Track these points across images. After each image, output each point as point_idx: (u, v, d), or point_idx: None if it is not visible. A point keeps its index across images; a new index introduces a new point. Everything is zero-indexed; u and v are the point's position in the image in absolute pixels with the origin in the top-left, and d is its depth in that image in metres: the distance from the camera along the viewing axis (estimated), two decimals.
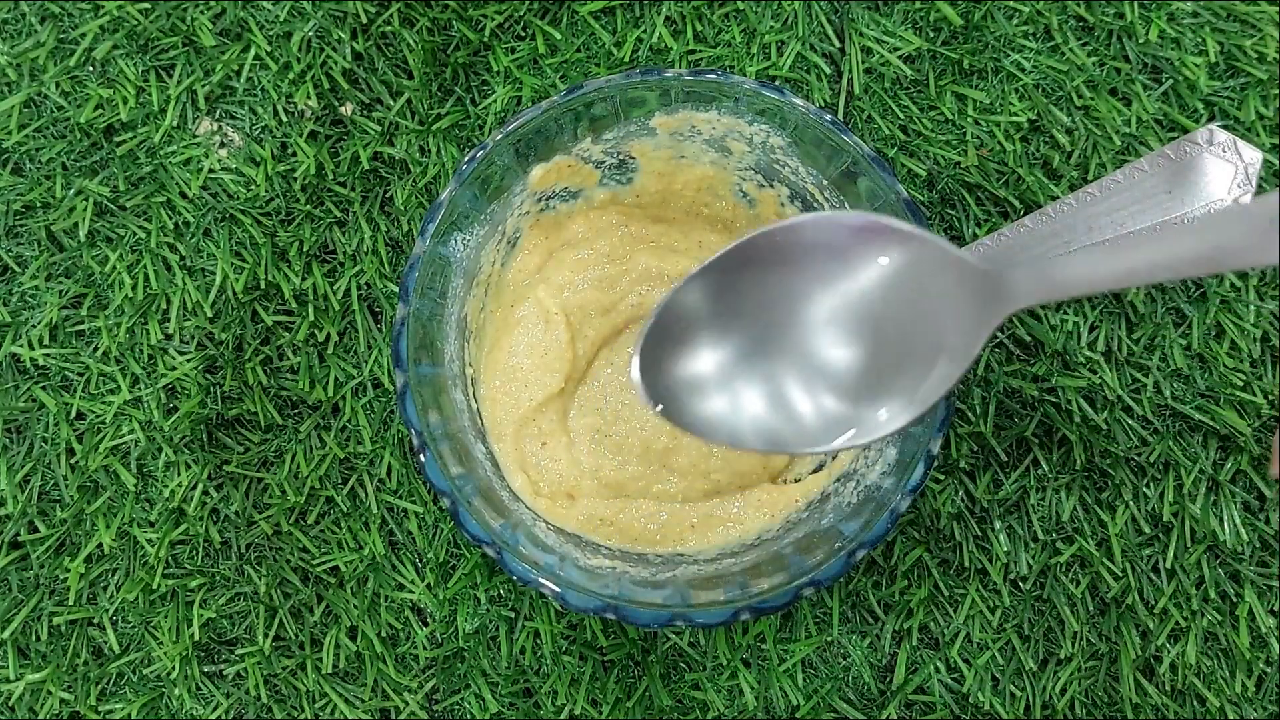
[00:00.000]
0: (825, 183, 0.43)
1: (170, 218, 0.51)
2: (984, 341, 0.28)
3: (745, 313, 0.32)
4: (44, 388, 0.49)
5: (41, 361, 0.49)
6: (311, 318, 0.49)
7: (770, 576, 0.38)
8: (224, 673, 0.46)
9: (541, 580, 0.37)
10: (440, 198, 0.41)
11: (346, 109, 0.52)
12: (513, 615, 0.46)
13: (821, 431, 0.32)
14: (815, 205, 0.44)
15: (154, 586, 0.46)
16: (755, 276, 0.31)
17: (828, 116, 0.41)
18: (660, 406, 0.33)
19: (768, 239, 0.30)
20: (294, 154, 0.51)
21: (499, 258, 0.45)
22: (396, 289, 0.49)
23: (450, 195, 0.41)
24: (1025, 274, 0.26)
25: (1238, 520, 0.46)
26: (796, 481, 0.44)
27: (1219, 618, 0.45)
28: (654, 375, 0.32)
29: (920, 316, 0.29)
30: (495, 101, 0.51)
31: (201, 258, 0.50)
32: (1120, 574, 0.46)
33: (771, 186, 0.45)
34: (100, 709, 0.46)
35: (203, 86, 0.52)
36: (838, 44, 0.51)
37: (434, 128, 0.51)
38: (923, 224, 0.40)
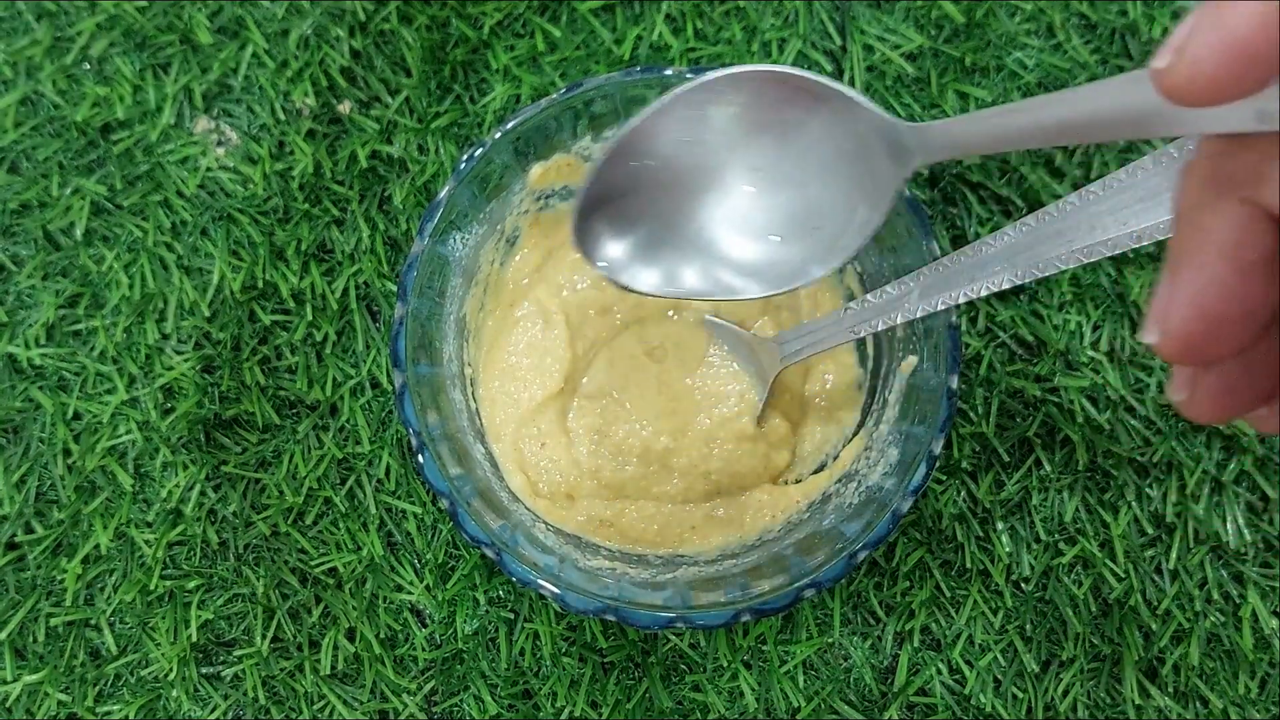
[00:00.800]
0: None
1: (167, 217, 0.50)
2: (896, 190, 0.30)
3: (670, 174, 0.33)
4: (41, 388, 0.49)
5: (38, 361, 0.49)
6: (309, 317, 0.49)
7: (771, 578, 0.38)
8: (222, 674, 0.46)
9: (541, 582, 0.37)
10: (439, 196, 0.40)
11: (344, 107, 0.51)
12: (512, 617, 0.46)
13: (754, 279, 0.34)
14: None
15: (151, 588, 0.46)
16: (678, 137, 0.33)
17: None
18: (604, 265, 0.34)
19: (686, 100, 0.32)
20: (292, 152, 0.51)
21: (498, 257, 0.45)
22: (395, 288, 0.49)
23: (449, 194, 0.40)
24: (932, 128, 0.28)
25: (1241, 521, 0.46)
26: (798, 482, 0.44)
27: (1222, 619, 0.45)
28: (593, 243, 0.34)
29: (839, 166, 0.31)
30: (494, 99, 0.51)
31: (199, 257, 0.50)
32: (1123, 575, 0.46)
33: None
34: (98, 710, 0.46)
35: (200, 85, 0.52)
36: (839, 41, 0.51)
37: (432, 126, 0.51)
38: (925, 224, 0.39)
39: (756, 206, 0.34)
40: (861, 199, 0.31)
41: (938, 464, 0.42)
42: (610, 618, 0.37)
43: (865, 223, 0.31)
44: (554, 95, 0.41)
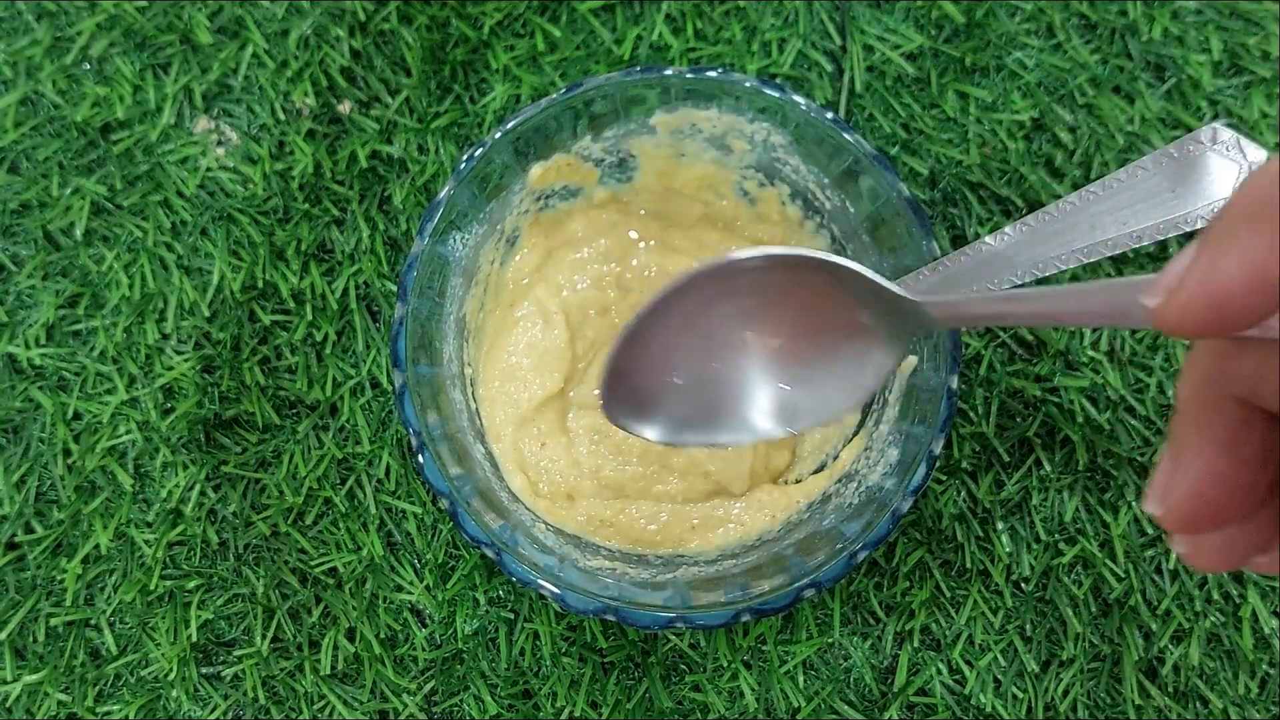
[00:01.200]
0: (827, 181, 0.42)
1: (167, 217, 0.50)
2: (908, 342, 0.32)
3: (693, 343, 0.35)
4: (40, 388, 0.49)
5: (38, 361, 0.49)
6: (309, 317, 0.49)
7: (771, 578, 0.38)
8: (222, 674, 0.46)
9: (541, 582, 0.37)
10: (439, 196, 0.40)
11: (344, 107, 0.51)
12: (512, 617, 0.46)
13: (779, 421, 0.36)
14: (817, 204, 0.44)
15: (151, 588, 0.46)
16: (698, 309, 0.34)
17: (829, 115, 0.40)
18: (633, 429, 0.36)
19: (704, 277, 0.33)
20: (291, 152, 0.51)
21: (498, 257, 0.45)
22: (395, 288, 0.49)
23: (449, 194, 0.40)
24: (946, 305, 0.29)
25: None
26: (798, 482, 0.44)
27: (1222, 619, 0.45)
28: (619, 409, 0.35)
29: (855, 329, 0.33)
30: (494, 99, 0.51)
31: (199, 257, 0.50)
32: (1123, 575, 0.46)
33: (773, 185, 0.45)
34: (98, 710, 0.46)
35: (200, 84, 0.52)
36: (839, 41, 0.51)
37: (432, 126, 0.51)
38: (925, 224, 0.39)
39: (778, 366, 0.35)
40: (877, 349, 0.33)
41: (938, 464, 0.42)
42: (610, 618, 0.37)
43: (880, 366, 0.33)
44: (554, 95, 0.41)
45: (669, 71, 0.41)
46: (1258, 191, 0.19)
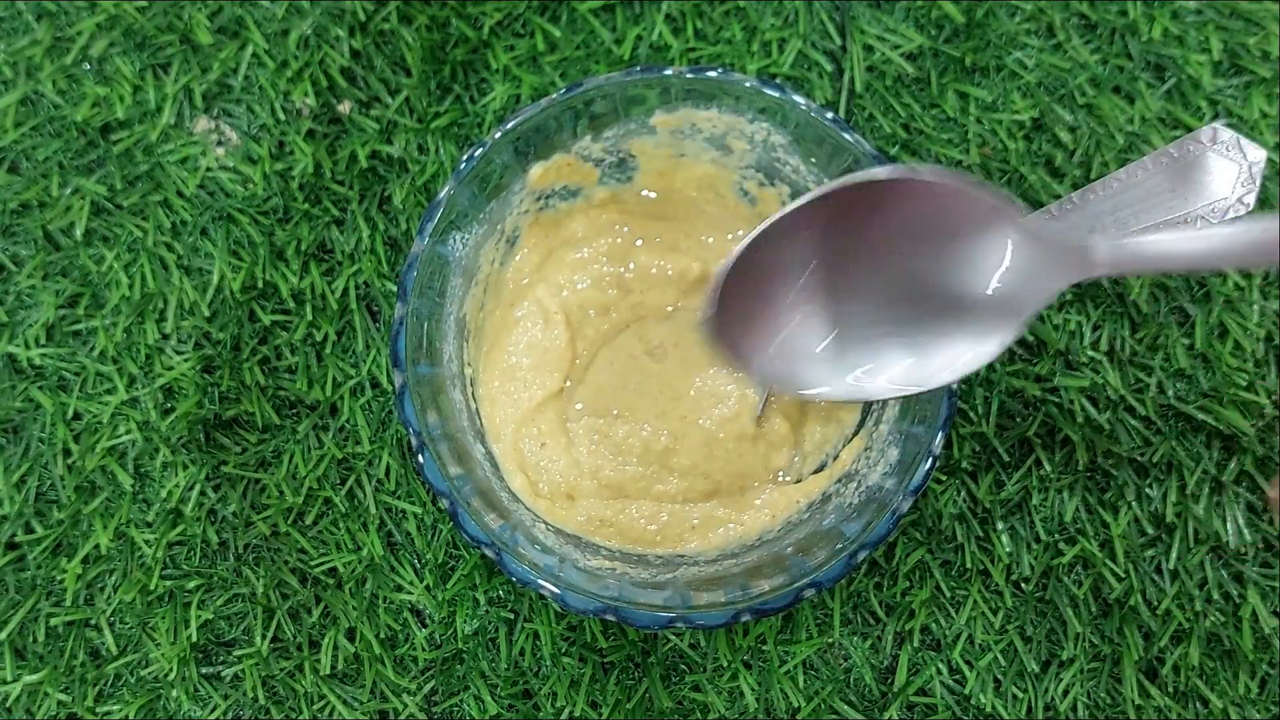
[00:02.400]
0: (826, 180, 0.42)
1: (167, 217, 0.50)
2: (1051, 297, 0.31)
3: (824, 262, 0.34)
4: (41, 388, 0.49)
5: (38, 361, 0.49)
6: (309, 317, 0.49)
7: (771, 578, 0.38)
8: (222, 674, 0.46)
9: (541, 582, 0.37)
10: (439, 196, 0.40)
11: (344, 107, 0.51)
12: (512, 617, 0.46)
13: (886, 380, 0.35)
14: None
15: (151, 588, 0.46)
16: (835, 227, 0.33)
17: (829, 114, 0.40)
18: (735, 361, 0.35)
19: (850, 191, 0.32)
20: (291, 152, 0.51)
21: (498, 256, 0.45)
22: (395, 288, 0.49)
23: (449, 194, 0.40)
24: (1104, 244, 0.29)
25: (1240, 521, 0.46)
26: (798, 482, 0.44)
27: (1222, 619, 0.45)
28: (729, 330, 0.34)
29: (991, 272, 0.32)
30: (494, 99, 0.51)
31: (199, 257, 0.50)
32: (1123, 575, 0.46)
33: (773, 185, 0.45)
34: (98, 710, 0.46)
35: (200, 84, 0.52)
36: (839, 41, 0.51)
37: (432, 126, 0.51)
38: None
39: (903, 310, 0.34)
40: (1011, 306, 0.32)
41: (938, 464, 0.42)
42: (610, 618, 0.37)
43: (1010, 327, 0.32)
44: (554, 95, 0.41)
45: (669, 71, 0.41)
46: None
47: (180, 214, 0.50)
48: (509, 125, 0.41)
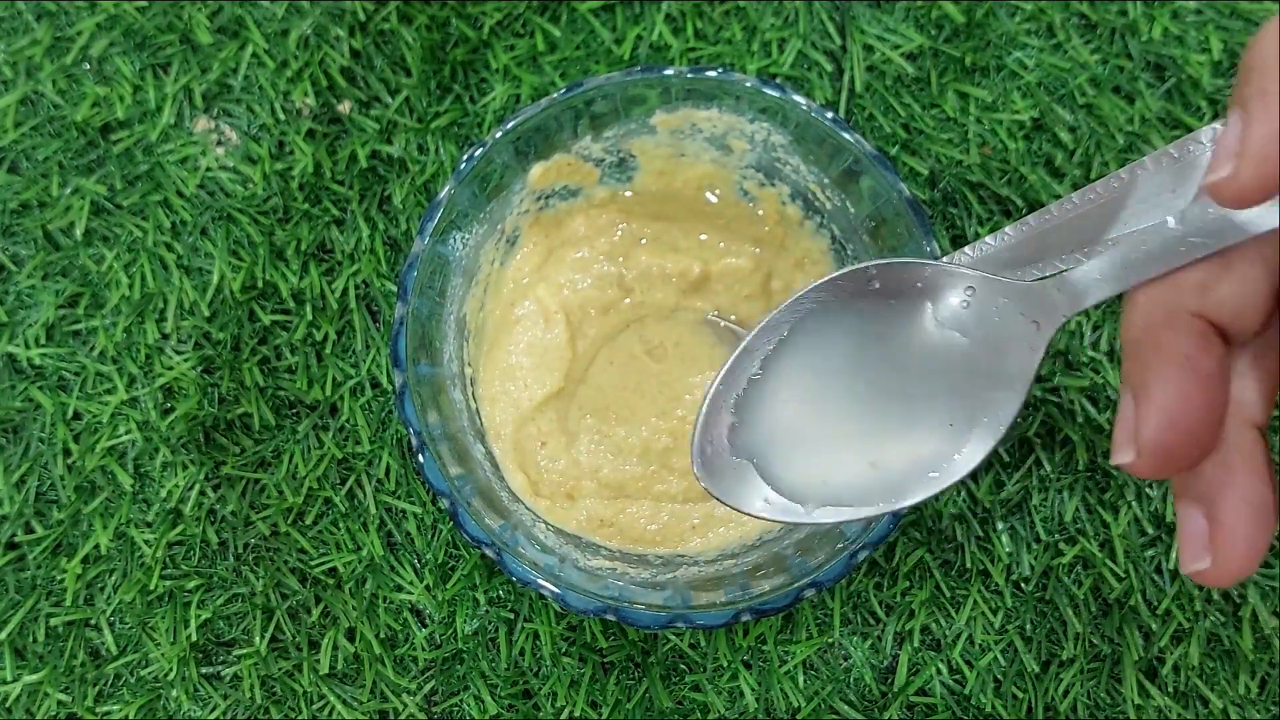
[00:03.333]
0: (827, 181, 0.42)
1: (167, 216, 0.50)
2: (1045, 349, 0.29)
3: (810, 369, 0.32)
4: (40, 388, 0.49)
5: (38, 361, 0.49)
6: (309, 317, 0.49)
7: (772, 578, 0.38)
8: (221, 674, 0.46)
9: (541, 581, 0.37)
10: (439, 196, 0.40)
11: (344, 107, 0.51)
12: (512, 617, 0.46)
13: (902, 483, 0.31)
14: (817, 204, 0.44)
15: (151, 588, 0.46)
16: (812, 334, 0.31)
17: (829, 114, 0.40)
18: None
19: (821, 292, 0.31)
20: (291, 152, 0.51)
21: (498, 256, 0.45)
22: (394, 288, 0.49)
23: (449, 193, 0.40)
24: (1057, 285, 0.28)
25: None
26: None
27: (1222, 619, 0.45)
28: (716, 447, 0.32)
29: (979, 344, 0.30)
30: (494, 99, 0.51)
31: (198, 257, 0.50)
32: (1123, 575, 0.46)
33: (773, 185, 0.45)
34: (98, 710, 0.46)
35: (200, 84, 0.52)
36: (839, 41, 0.51)
37: (432, 126, 0.51)
38: (925, 224, 0.39)
39: (898, 408, 0.31)
40: (1002, 375, 0.29)
41: None
42: (610, 617, 0.37)
43: (1012, 398, 0.29)
44: (554, 95, 0.41)
45: (669, 71, 0.41)
46: (1269, 49, 0.22)
47: (180, 214, 0.50)
48: (509, 125, 0.41)
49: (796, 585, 0.37)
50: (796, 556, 0.39)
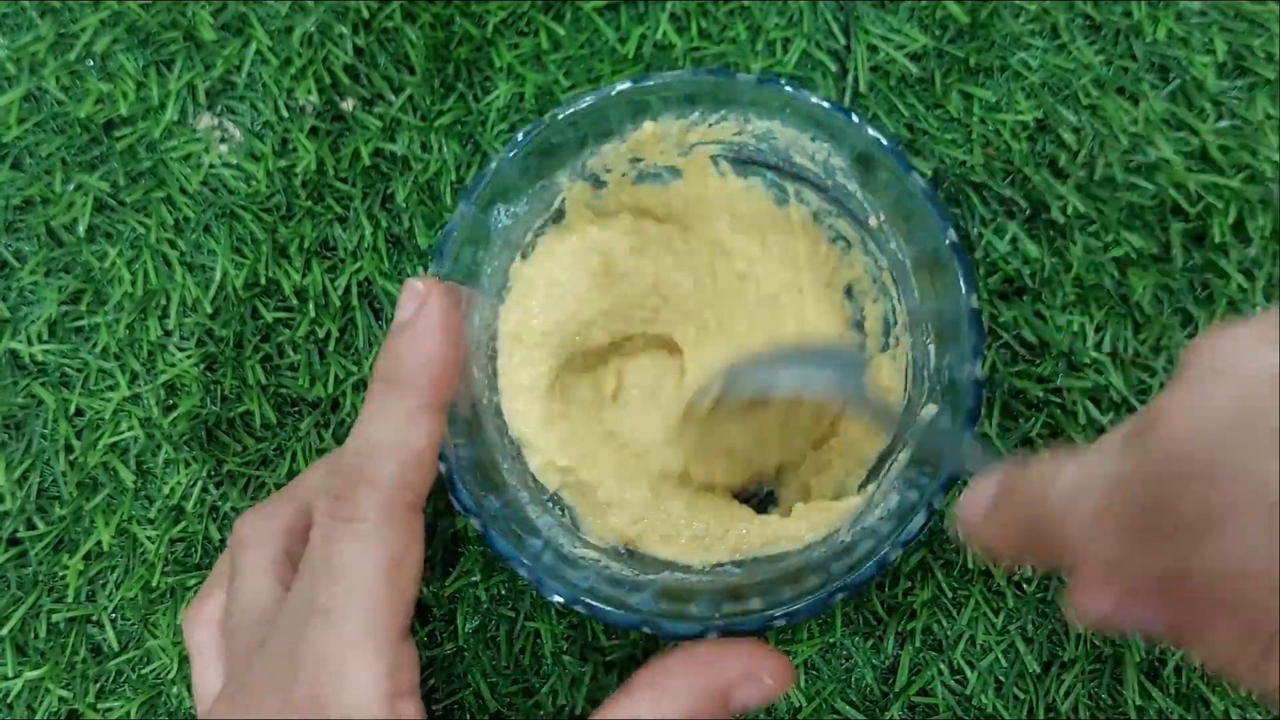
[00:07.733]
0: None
1: (170, 213, 0.50)
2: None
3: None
4: (43, 384, 0.49)
5: (40, 358, 0.49)
6: (312, 314, 0.49)
7: (802, 582, 0.37)
8: None
9: (586, 600, 0.36)
10: (488, 168, 0.40)
11: (348, 105, 0.51)
12: (513, 615, 0.46)
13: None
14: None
15: (153, 584, 0.46)
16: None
17: (854, 116, 0.40)
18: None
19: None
20: (295, 150, 0.51)
21: (535, 226, 0.44)
22: (397, 287, 0.49)
23: (495, 169, 0.40)
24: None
25: None
26: (837, 499, 0.43)
27: None
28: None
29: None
30: (498, 98, 0.51)
31: (201, 254, 0.50)
32: None
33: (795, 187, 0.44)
34: (99, 707, 0.46)
35: (203, 81, 0.52)
36: (843, 41, 0.51)
37: (436, 124, 0.51)
38: (942, 212, 0.39)
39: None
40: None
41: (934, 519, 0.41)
42: (648, 630, 0.36)
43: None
44: (619, 84, 0.40)
45: (739, 75, 0.40)
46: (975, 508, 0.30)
47: (183, 211, 0.50)
48: (568, 110, 0.40)
49: (829, 589, 0.36)
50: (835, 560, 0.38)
